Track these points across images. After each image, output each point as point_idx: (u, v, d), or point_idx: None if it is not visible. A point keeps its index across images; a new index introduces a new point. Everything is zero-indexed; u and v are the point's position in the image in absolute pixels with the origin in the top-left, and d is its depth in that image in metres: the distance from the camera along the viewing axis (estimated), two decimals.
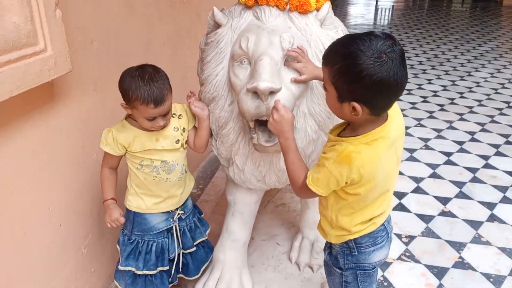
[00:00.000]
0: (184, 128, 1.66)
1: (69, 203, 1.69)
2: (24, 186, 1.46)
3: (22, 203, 1.46)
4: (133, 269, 1.67)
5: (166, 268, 1.72)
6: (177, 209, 1.72)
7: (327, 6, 1.59)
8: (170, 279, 1.78)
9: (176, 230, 1.72)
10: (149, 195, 1.64)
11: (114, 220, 1.60)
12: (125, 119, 1.60)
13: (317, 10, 1.60)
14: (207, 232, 1.86)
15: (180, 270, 1.79)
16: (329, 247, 1.47)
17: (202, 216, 1.90)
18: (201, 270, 1.85)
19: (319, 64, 1.53)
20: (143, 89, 1.42)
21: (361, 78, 1.06)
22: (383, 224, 1.36)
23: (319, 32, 1.57)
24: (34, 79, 1.35)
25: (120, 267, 1.68)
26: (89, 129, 1.75)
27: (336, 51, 1.14)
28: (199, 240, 1.81)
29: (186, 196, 1.75)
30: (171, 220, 1.70)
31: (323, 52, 1.20)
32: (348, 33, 1.75)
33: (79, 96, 1.70)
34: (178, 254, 1.75)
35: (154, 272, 1.68)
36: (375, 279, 1.46)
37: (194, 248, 1.80)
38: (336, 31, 1.63)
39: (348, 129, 1.27)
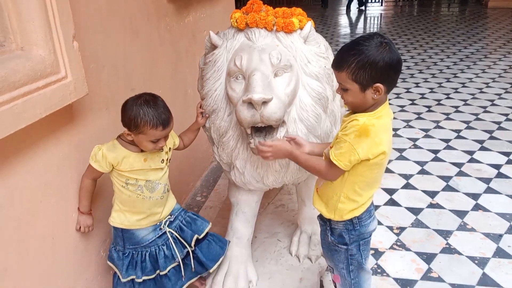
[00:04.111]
0: (170, 148, 1.86)
1: None
2: (51, 196, 1.67)
3: (50, 211, 1.66)
4: (134, 277, 1.84)
5: (164, 272, 1.86)
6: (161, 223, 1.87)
7: (309, 25, 1.81)
8: (183, 278, 1.91)
9: (172, 235, 1.87)
10: (132, 212, 1.79)
11: (87, 226, 1.78)
12: (116, 139, 1.74)
13: (301, 29, 1.82)
14: (209, 223, 1.98)
15: (193, 268, 1.92)
16: (329, 229, 1.66)
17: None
18: (218, 262, 1.96)
19: (303, 75, 1.76)
20: (152, 114, 1.62)
21: (376, 64, 1.34)
22: (371, 200, 1.63)
23: (303, 48, 1.79)
24: (58, 102, 1.56)
25: (123, 280, 1.83)
26: (103, 143, 1.96)
27: (344, 55, 1.41)
28: (206, 230, 1.94)
29: (167, 214, 1.89)
30: (159, 229, 1.86)
31: (332, 61, 1.46)
32: (329, 47, 1.99)
33: (94, 116, 1.91)
34: (188, 252, 1.90)
35: (153, 276, 1.85)
36: (370, 246, 1.70)
37: (202, 236, 1.91)
38: (319, 46, 1.85)
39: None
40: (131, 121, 1.63)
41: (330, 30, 9.54)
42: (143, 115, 1.61)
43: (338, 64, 1.43)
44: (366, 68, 1.35)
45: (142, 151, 1.74)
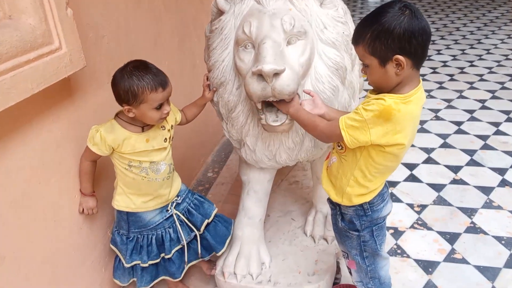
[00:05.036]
0: (172, 125, 1.73)
1: None
2: (51, 176, 1.57)
3: (50, 192, 1.57)
4: (138, 262, 1.76)
5: (169, 255, 1.78)
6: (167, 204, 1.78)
7: None
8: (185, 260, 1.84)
9: (178, 217, 1.78)
10: (137, 194, 1.69)
11: (90, 208, 1.69)
12: (114, 119, 1.62)
13: None
14: (215, 206, 1.91)
15: (199, 252, 1.84)
16: (339, 214, 1.55)
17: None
18: (226, 244, 1.88)
19: (319, 42, 1.60)
20: (146, 77, 1.48)
21: (392, 31, 1.17)
22: (384, 183, 1.48)
23: (319, 12, 1.62)
24: (52, 76, 1.44)
25: (126, 265, 1.75)
26: (105, 119, 1.84)
27: (360, 27, 1.26)
28: (214, 213, 1.87)
29: (175, 195, 1.79)
30: (166, 211, 1.77)
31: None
32: (348, 11, 1.81)
33: (94, 89, 1.79)
34: (195, 236, 1.82)
35: (158, 260, 1.78)
36: (385, 230, 1.57)
37: (211, 220, 1.84)
38: (336, 9, 1.67)
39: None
40: (127, 92, 1.49)
41: None
42: (138, 81, 1.48)
43: (354, 38, 1.28)
44: (381, 37, 1.18)
45: (143, 131, 1.62)
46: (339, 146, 1.43)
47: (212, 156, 3.16)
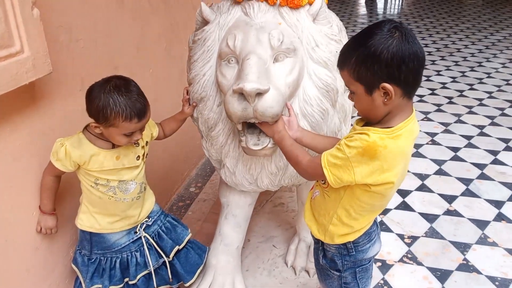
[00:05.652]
0: (147, 141, 1.60)
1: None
2: (4, 191, 1.41)
3: (2, 209, 1.41)
4: (99, 286, 1.60)
5: (134, 281, 1.64)
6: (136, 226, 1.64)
7: (319, 0, 1.49)
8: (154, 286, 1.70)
9: (147, 241, 1.64)
10: (103, 214, 1.55)
11: (48, 228, 1.53)
12: (82, 133, 1.48)
13: (310, 4, 1.51)
14: (189, 231, 1.77)
15: (170, 279, 1.70)
16: (321, 250, 1.41)
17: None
18: (196, 274, 1.74)
19: (309, 61, 1.47)
20: (124, 103, 1.34)
21: (378, 56, 1.04)
22: (374, 220, 1.34)
23: (312, 28, 1.49)
24: (10, 82, 1.29)
25: None
26: (75, 130, 1.69)
27: (346, 49, 1.14)
28: (186, 239, 1.72)
29: (145, 216, 1.66)
30: (134, 233, 1.63)
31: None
32: (344, 29, 1.68)
33: (64, 97, 1.64)
34: (164, 262, 1.68)
35: (121, 285, 1.63)
36: (371, 272, 1.43)
37: (182, 246, 1.71)
38: (330, 26, 1.54)
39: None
40: (99, 112, 1.35)
41: (348, 9, 9.07)
42: (113, 105, 1.33)
43: (339, 61, 1.15)
44: (367, 62, 1.05)
45: (113, 147, 1.48)
46: (322, 180, 1.28)
47: (196, 170, 3.01)
